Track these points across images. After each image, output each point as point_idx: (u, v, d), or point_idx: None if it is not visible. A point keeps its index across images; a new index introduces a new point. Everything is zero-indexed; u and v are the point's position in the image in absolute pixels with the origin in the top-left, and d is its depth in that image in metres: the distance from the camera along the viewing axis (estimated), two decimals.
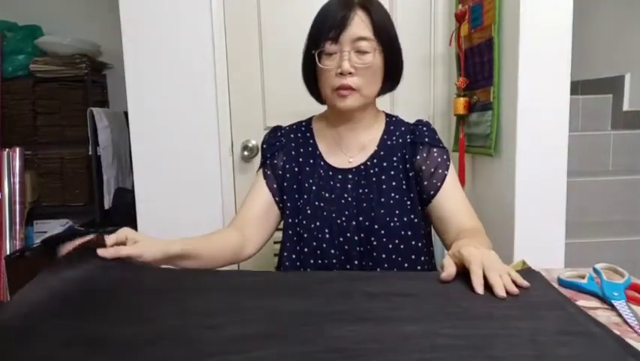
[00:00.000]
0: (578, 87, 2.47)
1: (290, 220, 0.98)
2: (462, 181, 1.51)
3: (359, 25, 0.90)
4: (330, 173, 0.99)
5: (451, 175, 0.98)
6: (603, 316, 0.60)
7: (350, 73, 0.90)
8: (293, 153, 1.02)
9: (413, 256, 0.94)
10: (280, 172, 1.02)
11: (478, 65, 1.43)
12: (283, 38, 1.59)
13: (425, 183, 0.97)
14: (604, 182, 1.87)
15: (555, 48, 1.26)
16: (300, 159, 1.02)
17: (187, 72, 1.53)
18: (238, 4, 1.59)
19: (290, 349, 0.49)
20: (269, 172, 1.02)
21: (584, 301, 0.64)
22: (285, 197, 1.00)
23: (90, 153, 2.08)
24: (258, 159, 1.64)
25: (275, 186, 1.01)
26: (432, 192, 0.96)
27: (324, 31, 0.90)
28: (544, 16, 1.25)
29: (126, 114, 1.69)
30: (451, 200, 0.96)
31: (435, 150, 0.98)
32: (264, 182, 1.02)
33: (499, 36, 1.33)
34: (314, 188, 0.98)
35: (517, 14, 1.25)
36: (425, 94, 1.65)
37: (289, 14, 1.60)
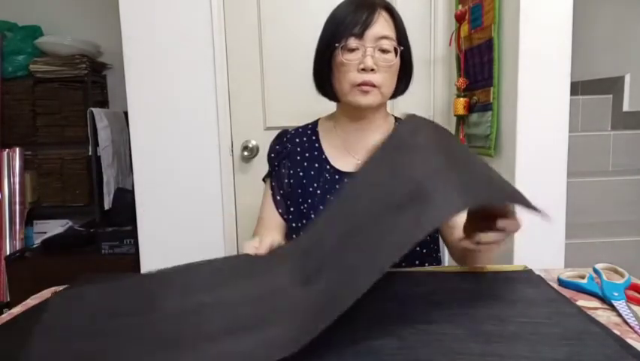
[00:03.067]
0: (578, 87, 2.47)
1: (294, 225, 0.98)
2: None
3: (383, 24, 0.91)
4: (337, 177, 0.98)
5: None
6: (603, 316, 0.60)
7: (372, 70, 0.90)
8: (298, 158, 1.01)
9: (417, 262, 0.94)
10: (286, 180, 1.01)
11: (478, 65, 1.43)
12: (283, 38, 1.60)
13: None
14: (604, 182, 1.87)
15: (555, 48, 1.27)
16: (305, 164, 1.01)
17: (187, 72, 1.53)
18: (238, 4, 1.59)
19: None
20: (274, 184, 1.02)
21: (584, 301, 0.64)
22: (288, 202, 1.00)
23: (90, 153, 2.07)
24: (258, 159, 1.65)
25: (279, 198, 1.01)
26: None
27: (349, 27, 0.90)
28: (544, 17, 1.25)
29: (126, 114, 1.69)
30: None
31: None
32: (271, 194, 1.02)
33: (499, 36, 1.34)
34: (318, 192, 0.97)
35: (517, 15, 1.25)
36: (425, 94, 1.65)
37: (289, 14, 1.60)
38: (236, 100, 1.63)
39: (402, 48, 0.93)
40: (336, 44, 0.91)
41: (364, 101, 0.92)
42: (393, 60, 0.91)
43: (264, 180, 1.07)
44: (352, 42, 0.90)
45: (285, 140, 1.04)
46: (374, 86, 0.91)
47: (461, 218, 0.91)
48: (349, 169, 0.99)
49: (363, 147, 1.00)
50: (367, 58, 0.89)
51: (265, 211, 1.03)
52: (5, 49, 2.16)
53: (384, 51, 0.90)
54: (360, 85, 0.90)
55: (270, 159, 1.05)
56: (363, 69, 0.89)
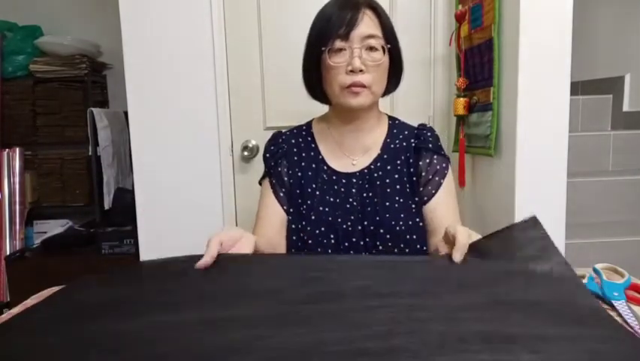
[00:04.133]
0: (578, 87, 2.47)
1: (293, 226, 0.97)
2: (462, 182, 1.51)
3: (368, 23, 0.90)
4: (334, 177, 0.98)
5: (447, 185, 0.97)
6: None
7: (361, 70, 0.89)
8: (295, 158, 1.01)
9: None
10: (286, 179, 1.01)
11: (478, 65, 1.43)
12: (283, 38, 1.60)
13: (421, 189, 0.97)
14: (604, 182, 1.87)
15: (555, 48, 1.27)
16: (303, 164, 1.01)
17: (187, 72, 1.53)
18: (238, 4, 1.59)
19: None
20: (275, 182, 1.01)
21: None
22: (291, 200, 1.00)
23: (90, 153, 2.07)
24: (258, 159, 1.65)
25: (282, 195, 1.00)
26: (425, 199, 0.96)
27: (334, 28, 0.89)
28: (544, 17, 1.25)
29: (126, 114, 1.69)
30: (442, 210, 0.95)
31: (436, 157, 0.98)
32: (272, 192, 1.01)
33: (499, 36, 1.33)
34: (317, 193, 0.97)
35: (517, 14, 1.25)
36: (425, 94, 1.65)
37: (289, 14, 1.60)
38: (237, 100, 1.62)
39: (389, 46, 0.92)
40: (323, 47, 0.90)
41: (355, 103, 0.92)
42: (382, 59, 0.91)
43: (260, 182, 1.06)
44: (338, 44, 0.89)
45: (281, 141, 1.04)
46: (364, 86, 0.90)
47: (440, 230, 0.93)
48: (346, 170, 0.99)
49: (358, 147, 1.00)
50: (355, 59, 0.88)
51: (265, 210, 1.01)
52: (5, 49, 2.16)
53: (371, 50, 0.90)
54: (349, 87, 0.90)
55: (266, 160, 1.04)
56: (351, 70, 0.89)
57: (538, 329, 0.50)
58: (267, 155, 1.04)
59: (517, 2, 1.25)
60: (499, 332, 0.50)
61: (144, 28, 1.51)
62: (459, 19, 1.46)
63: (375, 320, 0.53)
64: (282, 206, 1.00)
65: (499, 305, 0.56)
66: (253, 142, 1.65)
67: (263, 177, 1.05)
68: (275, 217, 0.99)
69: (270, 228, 0.98)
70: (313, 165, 1.00)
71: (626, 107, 2.27)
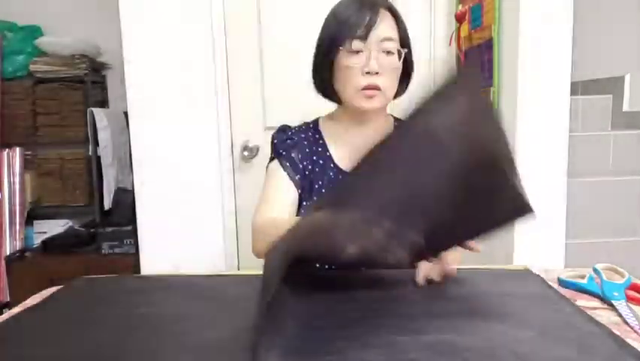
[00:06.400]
0: (578, 87, 2.47)
1: None
2: None
3: (387, 25, 0.90)
4: (340, 177, 0.98)
5: None
6: (603, 316, 0.60)
7: (377, 72, 0.89)
8: (307, 150, 0.99)
9: None
10: (300, 166, 0.97)
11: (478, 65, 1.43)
12: (283, 38, 1.60)
13: None
14: (604, 182, 1.86)
15: (555, 48, 1.27)
16: (314, 158, 0.99)
17: (187, 72, 1.53)
18: (238, 4, 1.59)
19: None
20: (287, 164, 0.97)
21: (584, 301, 0.64)
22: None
23: (90, 153, 2.07)
24: (258, 159, 1.65)
25: (297, 178, 0.97)
26: None
27: (352, 29, 0.88)
28: (544, 17, 1.25)
29: (126, 114, 1.69)
30: None
31: None
32: (285, 174, 0.97)
33: (499, 36, 1.33)
34: (323, 191, 0.97)
35: (517, 14, 1.25)
36: None
37: (289, 14, 1.60)
38: (237, 100, 1.62)
39: (405, 50, 0.92)
40: (340, 47, 0.90)
41: (369, 106, 0.91)
42: (397, 63, 0.90)
43: (267, 166, 1.02)
44: (356, 44, 0.88)
45: (291, 133, 1.01)
46: (378, 89, 0.90)
47: None
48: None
49: (366, 148, 0.99)
50: (372, 61, 0.88)
51: (274, 192, 0.96)
52: (5, 49, 2.16)
53: (388, 53, 0.90)
54: (364, 89, 0.89)
55: (275, 145, 1.00)
56: (367, 72, 0.88)
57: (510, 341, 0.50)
58: (276, 141, 1.00)
59: (517, 2, 1.25)
60: (455, 343, 0.49)
61: (144, 28, 1.51)
62: (459, 19, 1.46)
63: (332, 322, 0.55)
64: (297, 188, 0.96)
65: (478, 316, 0.57)
66: (253, 142, 1.65)
67: (271, 161, 1.01)
68: (287, 200, 0.96)
69: (281, 211, 0.94)
70: (321, 162, 0.99)
71: (626, 107, 2.26)
